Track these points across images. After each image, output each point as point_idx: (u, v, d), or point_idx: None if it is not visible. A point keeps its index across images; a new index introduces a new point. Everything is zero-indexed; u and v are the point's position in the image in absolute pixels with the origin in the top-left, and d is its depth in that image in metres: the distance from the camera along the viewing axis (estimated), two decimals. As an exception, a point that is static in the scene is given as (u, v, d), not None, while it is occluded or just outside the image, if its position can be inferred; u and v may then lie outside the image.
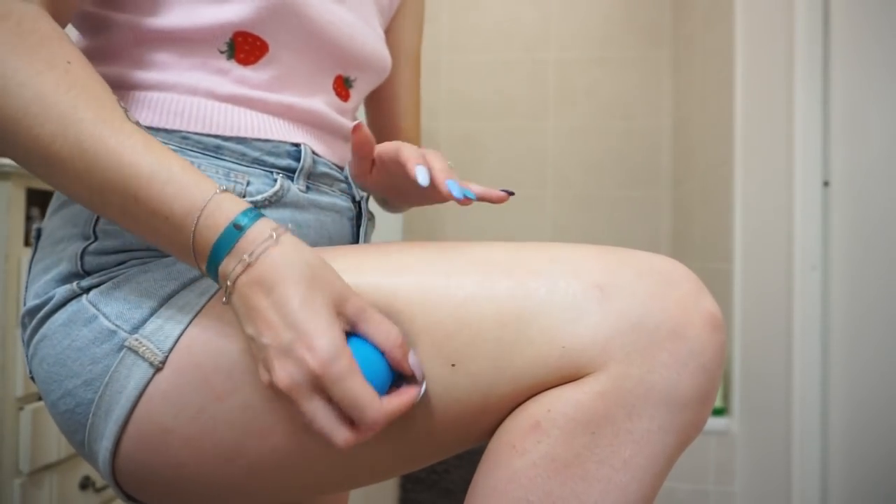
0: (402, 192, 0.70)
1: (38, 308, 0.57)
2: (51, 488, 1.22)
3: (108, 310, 0.54)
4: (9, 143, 0.48)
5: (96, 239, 0.56)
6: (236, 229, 0.46)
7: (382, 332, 0.47)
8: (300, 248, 0.47)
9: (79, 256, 0.56)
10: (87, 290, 0.55)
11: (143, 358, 0.52)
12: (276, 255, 0.45)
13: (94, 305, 0.54)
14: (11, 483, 1.14)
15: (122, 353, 0.53)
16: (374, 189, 0.71)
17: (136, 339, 0.52)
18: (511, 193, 0.60)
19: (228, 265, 0.46)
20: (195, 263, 0.48)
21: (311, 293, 0.45)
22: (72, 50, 0.50)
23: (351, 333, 0.48)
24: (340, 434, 0.45)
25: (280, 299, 0.45)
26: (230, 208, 0.46)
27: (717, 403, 2.01)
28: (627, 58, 2.80)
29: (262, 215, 0.47)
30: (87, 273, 0.56)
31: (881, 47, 1.53)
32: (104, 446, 0.54)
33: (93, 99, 0.48)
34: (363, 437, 0.45)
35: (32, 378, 0.59)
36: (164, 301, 0.54)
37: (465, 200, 0.58)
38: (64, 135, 0.47)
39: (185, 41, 0.59)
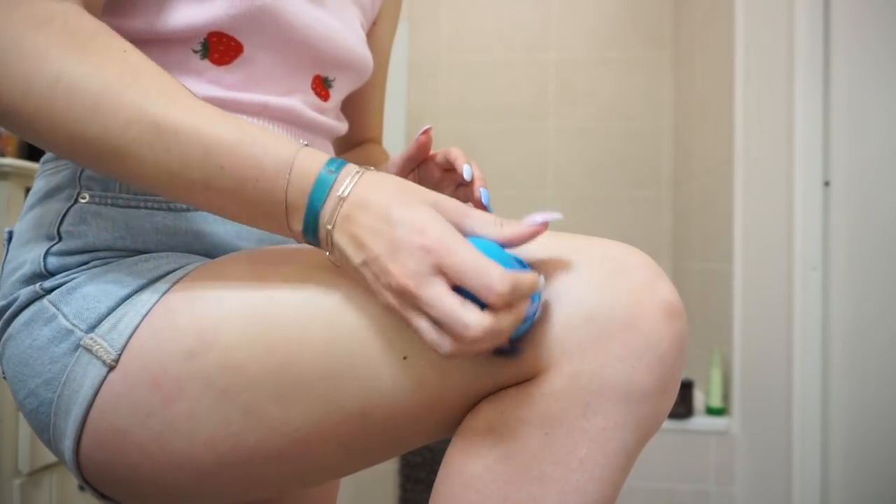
0: None
1: (4, 309, 0.57)
2: (50, 488, 1.22)
3: (67, 309, 0.54)
4: (78, 141, 0.48)
5: (60, 240, 0.56)
6: (329, 174, 0.46)
7: (491, 224, 0.45)
8: (385, 174, 0.48)
9: (42, 258, 0.56)
10: (50, 290, 0.55)
11: (97, 357, 0.52)
12: (366, 180, 0.46)
13: (54, 305, 0.54)
14: (11, 483, 1.14)
15: (78, 353, 0.53)
16: None
17: (91, 339, 0.52)
18: None
19: (327, 207, 0.46)
20: (286, 224, 0.48)
21: (405, 196, 0.45)
22: (121, 39, 0.50)
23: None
24: (472, 317, 0.41)
25: (379, 207, 0.45)
26: (318, 158, 0.47)
27: (717, 404, 2.01)
28: (628, 58, 2.80)
29: (347, 162, 0.48)
30: (50, 274, 0.56)
31: (882, 47, 1.53)
32: (67, 446, 0.54)
33: (158, 82, 0.48)
34: (493, 325, 0.42)
35: (5, 377, 0.59)
36: (122, 300, 0.54)
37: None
38: (139, 121, 0.47)
39: (160, 42, 0.59)
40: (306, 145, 0.48)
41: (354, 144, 0.90)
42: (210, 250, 0.60)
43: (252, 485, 0.55)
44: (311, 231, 0.47)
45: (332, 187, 0.46)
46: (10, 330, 0.56)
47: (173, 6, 0.58)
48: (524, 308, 0.43)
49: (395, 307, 0.45)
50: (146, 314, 0.53)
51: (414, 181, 0.75)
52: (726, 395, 2.04)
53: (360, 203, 0.45)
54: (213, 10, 0.58)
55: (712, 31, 2.23)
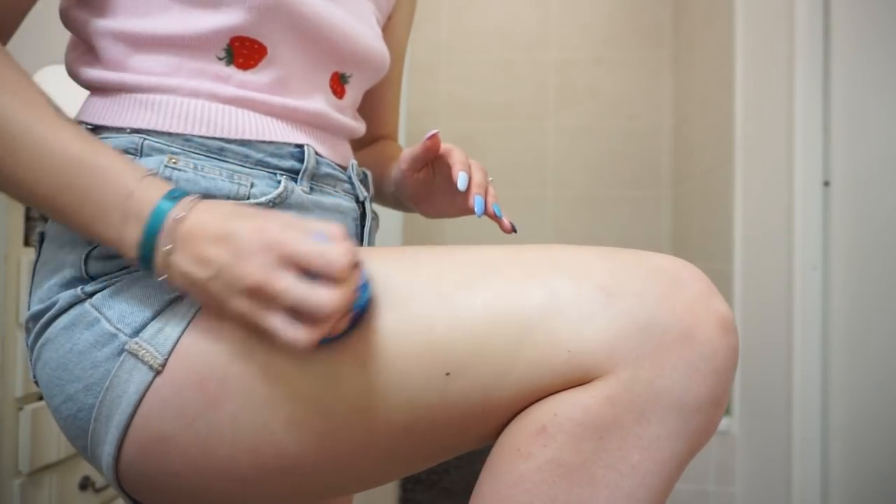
0: (434, 197, 0.75)
1: (42, 312, 0.57)
2: (50, 488, 1.21)
3: (111, 313, 0.54)
4: None
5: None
6: (168, 200, 0.49)
7: (316, 224, 0.48)
8: (221, 201, 0.51)
9: (82, 261, 0.55)
10: (91, 294, 0.55)
11: (142, 361, 0.52)
12: (202, 204, 0.49)
13: (96, 309, 0.54)
14: (11, 483, 1.14)
15: (122, 357, 0.52)
16: (411, 188, 0.75)
17: (136, 343, 0.52)
18: (516, 231, 0.66)
19: (165, 230, 0.48)
20: (123, 248, 0.50)
21: (240, 211, 0.49)
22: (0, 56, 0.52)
23: None
24: (324, 295, 0.44)
25: (216, 223, 0.48)
26: (160, 186, 0.50)
27: (718, 403, 2.01)
28: (628, 58, 2.80)
29: (187, 193, 0.51)
30: (91, 278, 0.55)
31: (882, 47, 1.53)
32: (106, 451, 0.53)
33: (24, 99, 0.50)
34: (342, 296, 0.45)
35: (36, 382, 0.58)
36: (166, 305, 0.54)
37: (493, 218, 0.65)
38: (1, 133, 0.49)
39: (182, 48, 0.58)
40: (153, 174, 0.51)
41: (370, 141, 0.89)
42: None
43: (295, 493, 0.54)
44: (146, 257, 0.49)
45: (168, 213, 0.49)
46: (48, 334, 0.56)
47: (191, 14, 0.58)
48: (357, 279, 0.47)
49: (247, 312, 0.47)
50: (192, 317, 0.53)
51: (427, 175, 0.74)
52: (726, 395, 2.04)
53: (197, 223, 0.48)
54: (230, 16, 0.58)
55: (712, 31, 2.23)
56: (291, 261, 0.45)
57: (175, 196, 0.49)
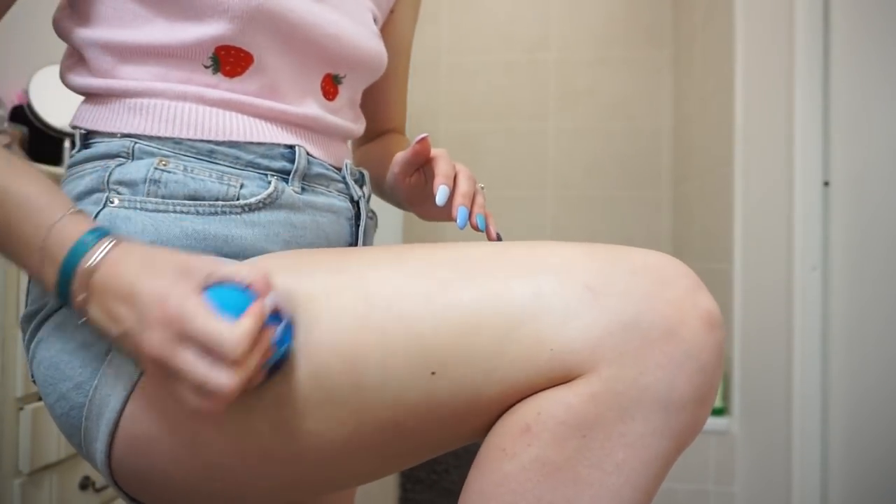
0: (427, 202, 0.73)
1: (34, 313, 0.57)
2: (51, 488, 1.21)
3: None
4: None
5: None
6: (83, 244, 0.48)
7: (237, 270, 0.47)
8: (136, 243, 0.50)
9: None
10: None
11: (129, 362, 0.52)
12: (117, 252, 0.48)
13: None
14: (11, 483, 1.14)
15: (109, 357, 0.53)
16: (405, 192, 0.74)
17: None
18: (500, 239, 0.64)
19: (78, 276, 0.48)
20: (47, 287, 0.50)
21: (152, 266, 0.48)
22: None
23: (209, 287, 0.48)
24: (222, 377, 0.43)
25: (126, 280, 0.47)
26: (78, 226, 0.49)
27: (717, 403, 2.01)
28: (628, 58, 2.80)
29: (108, 232, 0.50)
30: None
31: (881, 47, 1.53)
32: (98, 449, 0.54)
33: None
34: (242, 376, 0.44)
35: (34, 381, 0.59)
36: None
37: (477, 229, 0.64)
38: None
39: (168, 57, 0.59)
40: (77, 212, 0.50)
41: (376, 136, 0.88)
42: (238, 254, 0.59)
43: (286, 491, 0.54)
44: (64, 296, 0.49)
45: (83, 257, 0.48)
46: (41, 334, 0.56)
47: (175, 25, 0.58)
48: (266, 344, 0.46)
49: (157, 375, 0.47)
50: None
51: (419, 180, 0.73)
52: (726, 395, 2.04)
53: (107, 276, 0.47)
54: (214, 26, 0.58)
55: (712, 31, 2.23)
56: (190, 339, 0.44)
57: (90, 240, 0.49)
